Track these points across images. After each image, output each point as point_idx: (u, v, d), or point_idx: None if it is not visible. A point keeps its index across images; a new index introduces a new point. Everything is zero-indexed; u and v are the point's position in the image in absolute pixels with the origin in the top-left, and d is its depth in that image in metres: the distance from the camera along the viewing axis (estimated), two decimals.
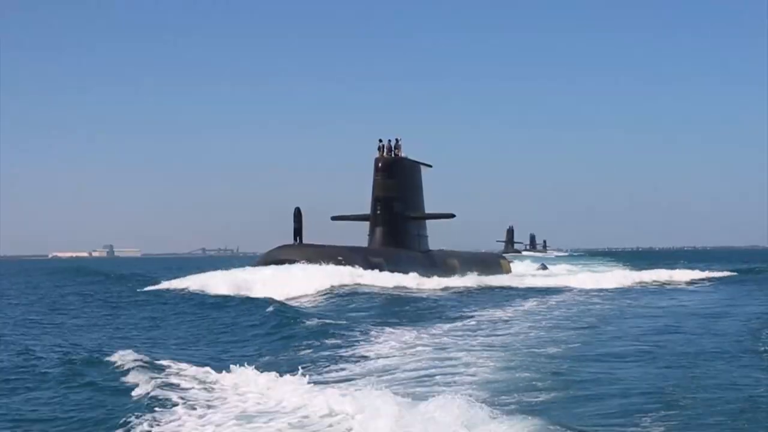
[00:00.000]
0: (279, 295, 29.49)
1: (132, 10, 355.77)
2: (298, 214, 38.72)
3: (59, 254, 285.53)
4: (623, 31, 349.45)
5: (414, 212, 44.52)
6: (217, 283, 33.62)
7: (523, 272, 60.04)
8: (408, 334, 17.83)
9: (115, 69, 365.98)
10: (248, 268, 36.88)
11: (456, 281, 39.47)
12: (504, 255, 74.43)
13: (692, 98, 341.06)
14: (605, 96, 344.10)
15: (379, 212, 43.03)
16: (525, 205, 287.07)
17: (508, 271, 56.59)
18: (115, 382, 12.24)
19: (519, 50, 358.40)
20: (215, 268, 38.66)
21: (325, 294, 31.06)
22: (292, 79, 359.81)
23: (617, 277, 45.70)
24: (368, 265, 37.95)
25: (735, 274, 50.95)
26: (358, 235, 44.86)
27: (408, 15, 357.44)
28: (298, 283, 32.66)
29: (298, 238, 38.75)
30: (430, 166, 47.62)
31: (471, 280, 40.81)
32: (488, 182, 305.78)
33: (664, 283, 43.51)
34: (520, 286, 38.90)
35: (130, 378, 12.21)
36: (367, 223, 44.16)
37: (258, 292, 31.03)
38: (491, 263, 56.36)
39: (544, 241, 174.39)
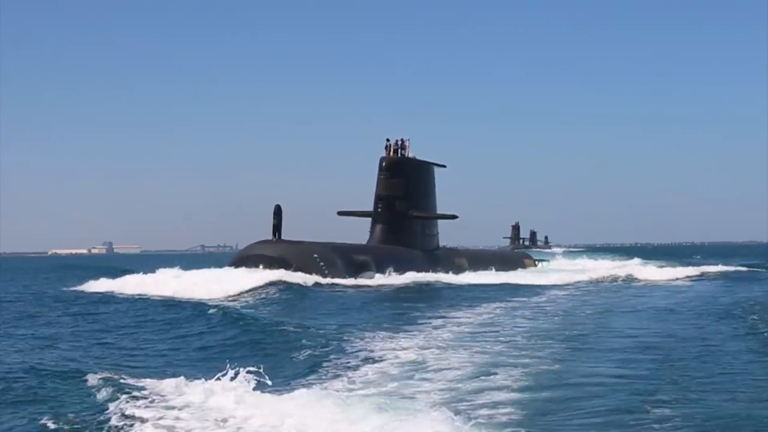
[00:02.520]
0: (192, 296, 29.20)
1: (131, 9, 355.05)
2: (278, 211, 38.28)
3: (59, 251, 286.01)
4: (625, 30, 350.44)
5: (418, 211, 44.17)
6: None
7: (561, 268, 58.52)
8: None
9: (115, 67, 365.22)
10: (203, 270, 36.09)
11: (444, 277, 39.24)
12: (528, 253, 72.13)
13: (691, 95, 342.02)
14: (603, 93, 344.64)
15: (380, 210, 43.30)
16: (522, 202, 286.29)
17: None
18: None
19: (520, 47, 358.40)
20: (210, 265, 38.39)
21: (254, 294, 30.12)
22: (296, 77, 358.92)
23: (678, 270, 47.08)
24: (350, 263, 38.15)
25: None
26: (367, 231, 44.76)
27: (412, 13, 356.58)
28: (226, 284, 31.96)
29: (276, 234, 38.17)
30: (444, 166, 48.05)
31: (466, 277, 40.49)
32: (486, 180, 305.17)
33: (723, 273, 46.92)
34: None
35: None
36: None
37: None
38: (510, 261, 55.16)
39: (546, 237, 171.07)
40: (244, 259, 37.04)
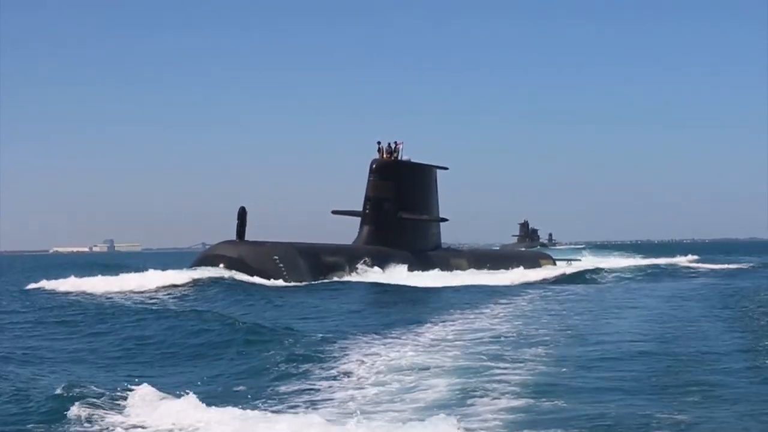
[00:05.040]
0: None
1: (132, 7, 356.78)
2: (242, 213, 38.55)
3: (60, 249, 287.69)
4: (626, 24, 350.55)
5: (410, 213, 44.86)
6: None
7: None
8: None
9: (115, 64, 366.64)
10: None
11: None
12: (547, 253, 67.14)
13: (692, 92, 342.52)
14: (603, 90, 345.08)
15: (367, 211, 44.27)
16: (521, 199, 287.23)
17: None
18: None
19: (523, 44, 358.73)
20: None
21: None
22: (298, 75, 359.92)
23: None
24: (318, 265, 38.93)
25: None
26: None
27: (413, 9, 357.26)
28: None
29: (240, 235, 38.54)
30: (446, 168, 48.71)
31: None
32: (486, 178, 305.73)
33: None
34: None
35: None
36: None
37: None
38: (522, 261, 53.19)
39: (550, 235, 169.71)
40: (205, 259, 38.07)
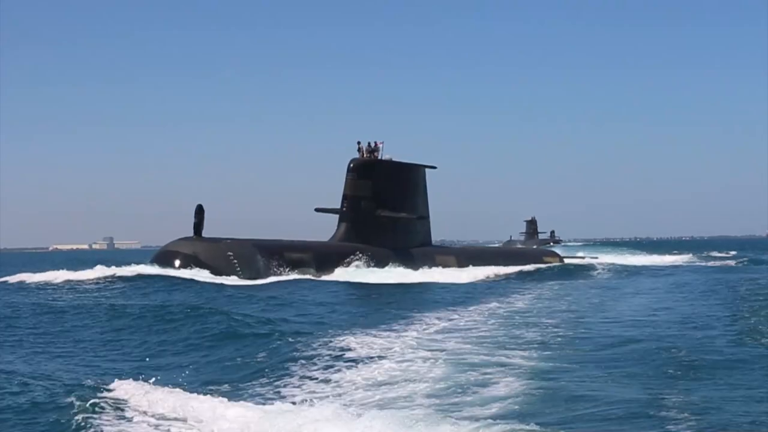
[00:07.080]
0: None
1: (129, 5, 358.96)
2: (199, 210, 39.39)
3: (60, 247, 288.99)
4: (626, 24, 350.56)
5: (390, 211, 45.63)
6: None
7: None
8: None
9: (113, 63, 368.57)
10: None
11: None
12: (553, 250, 64.52)
13: (690, 89, 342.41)
14: (602, 88, 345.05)
15: (344, 209, 45.25)
16: (522, 197, 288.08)
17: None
18: None
19: (520, 42, 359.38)
20: None
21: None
22: (298, 73, 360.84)
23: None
24: (280, 262, 39.60)
25: None
26: None
27: (410, 7, 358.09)
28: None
29: (197, 232, 39.35)
30: (434, 167, 49.62)
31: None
32: (482, 176, 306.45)
33: None
34: None
35: None
36: None
37: None
38: (524, 259, 52.75)
39: (552, 232, 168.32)
40: (161, 255, 39.05)
